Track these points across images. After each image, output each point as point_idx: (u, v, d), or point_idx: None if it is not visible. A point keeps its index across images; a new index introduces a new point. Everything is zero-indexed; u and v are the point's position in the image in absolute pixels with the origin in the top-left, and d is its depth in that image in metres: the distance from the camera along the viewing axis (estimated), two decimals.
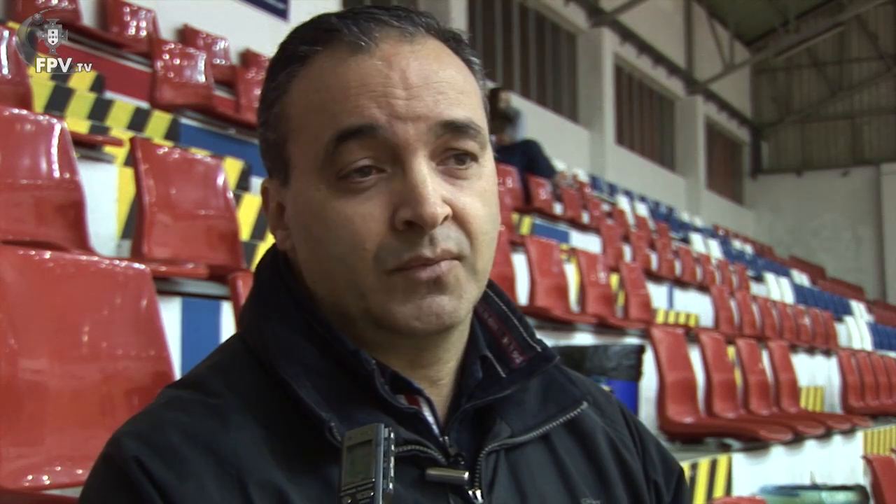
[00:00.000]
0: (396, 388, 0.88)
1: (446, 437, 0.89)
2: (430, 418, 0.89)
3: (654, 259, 10.12)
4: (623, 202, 14.76)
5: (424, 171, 0.84)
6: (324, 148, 0.85)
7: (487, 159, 0.90)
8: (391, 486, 0.72)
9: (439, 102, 0.85)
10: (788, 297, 13.26)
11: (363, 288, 0.85)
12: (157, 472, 0.78)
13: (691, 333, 6.28)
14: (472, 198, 0.87)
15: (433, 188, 0.84)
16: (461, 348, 0.93)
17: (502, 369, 0.94)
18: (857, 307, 16.00)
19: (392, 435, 0.73)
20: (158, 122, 5.69)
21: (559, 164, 12.29)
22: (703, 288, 9.93)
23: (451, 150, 0.86)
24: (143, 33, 7.51)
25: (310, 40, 0.88)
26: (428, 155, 0.85)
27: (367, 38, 0.86)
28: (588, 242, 9.33)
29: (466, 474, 0.86)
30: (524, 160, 9.95)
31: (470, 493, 0.87)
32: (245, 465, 0.80)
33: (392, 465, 0.72)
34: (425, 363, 0.90)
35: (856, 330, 12.73)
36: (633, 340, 6.09)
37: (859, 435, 6.87)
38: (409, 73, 0.85)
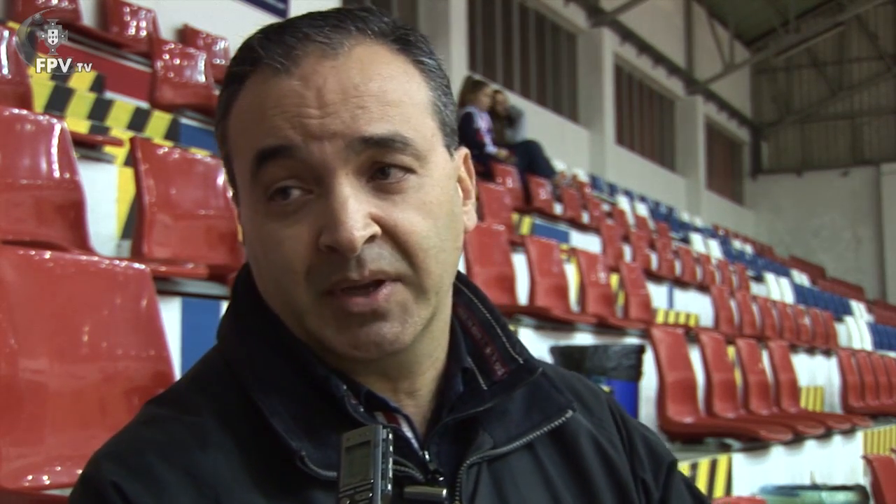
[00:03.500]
0: (373, 405, 0.87)
1: (426, 452, 0.87)
2: (410, 433, 0.88)
3: (654, 259, 10.12)
4: (623, 202, 14.76)
5: (345, 193, 0.81)
6: (248, 169, 0.84)
7: (432, 168, 0.85)
8: (389, 486, 0.71)
9: (358, 118, 0.82)
10: (788, 297, 13.26)
11: (300, 310, 0.84)
12: (135, 496, 0.78)
13: (691, 333, 6.28)
14: (409, 212, 0.83)
15: (354, 209, 0.80)
16: (439, 357, 0.91)
17: (484, 381, 0.92)
18: (857, 307, 16.00)
19: (390, 436, 0.73)
20: (158, 122, 5.69)
21: (559, 164, 12.29)
22: (703, 288, 9.93)
23: (381, 164, 0.83)
24: (143, 33, 7.51)
25: (241, 61, 0.87)
26: (352, 172, 0.82)
27: (286, 59, 0.83)
28: (588, 242, 9.32)
29: (445, 491, 0.85)
30: (525, 160, 9.95)
31: None
32: (224, 488, 0.80)
33: (390, 466, 0.72)
34: (397, 376, 0.88)
35: (856, 330, 12.73)
36: (633, 340, 6.09)
37: (859, 435, 6.87)
38: (325, 90, 0.82)
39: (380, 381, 0.88)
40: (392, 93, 0.84)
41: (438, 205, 0.85)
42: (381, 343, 0.83)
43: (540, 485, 0.92)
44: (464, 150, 0.94)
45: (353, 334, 0.83)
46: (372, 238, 0.81)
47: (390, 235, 0.82)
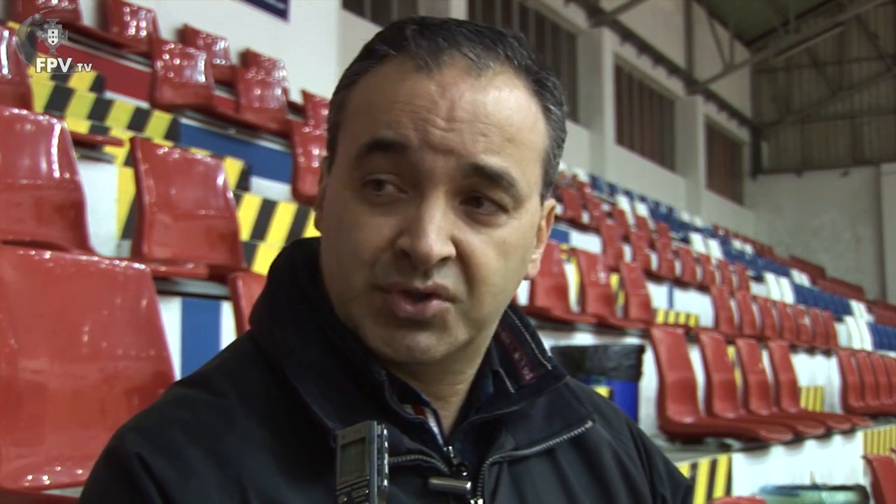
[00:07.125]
0: (405, 397, 0.88)
1: (450, 448, 0.89)
2: (436, 428, 0.89)
3: (654, 259, 10.13)
4: (623, 202, 14.77)
5: (436, 207, 0.82)
6: (356, 151, 0.84)
7: (523, 213, 0.87)
8: (386, 482, 0.72)
9: (478, 143, 0.82)
10: (788, 297, 13.27)
11: (348, 294, 0.85)
12: (159, 470, 0.78)
13: (691, 333, 6.28)
14: (487, 245, 0.84)
15: (439, 226, 0.81)
16: (470, 372, 0.92)
17: (512, 384, 0.94)
18: (857, 307, 16.01)
19: (385, 432, 0.74)
20: (158, 122, 5.69)
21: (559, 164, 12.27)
22: (703, 288, 9.93)
23: (480, 195, 0.84)
24: (143, 33, 7.52)
25: (388, 42, 0.87)
26: (451, 191, 0.83)
27: (432, 59, 0.83)
28: (588, 242, 9.33)
29: (469, 484, 0.87)
30: None
31: (472, 502, 0.87)
32: (247, 470, 0.80)
33: (386, 462, 0.73)
34: (426, 381, 0.90)
35: (856, 330, 12.73)
36: (633, 340, 6.09)
37: (859, 435, 6.87)
38: (458, 105, 0.82)
39: (410, 377, 0.89)
40: (516, 132, 0.85)
41: (515, 248, 0.86)
42: (413, 349, 0.84)
43: (559, 490, 0.93)
44: (552, 203, 0.96)
45: (390, 333, 0.84)
46: (445, 259, 0.82)
47: (462, 260, 0.83)
